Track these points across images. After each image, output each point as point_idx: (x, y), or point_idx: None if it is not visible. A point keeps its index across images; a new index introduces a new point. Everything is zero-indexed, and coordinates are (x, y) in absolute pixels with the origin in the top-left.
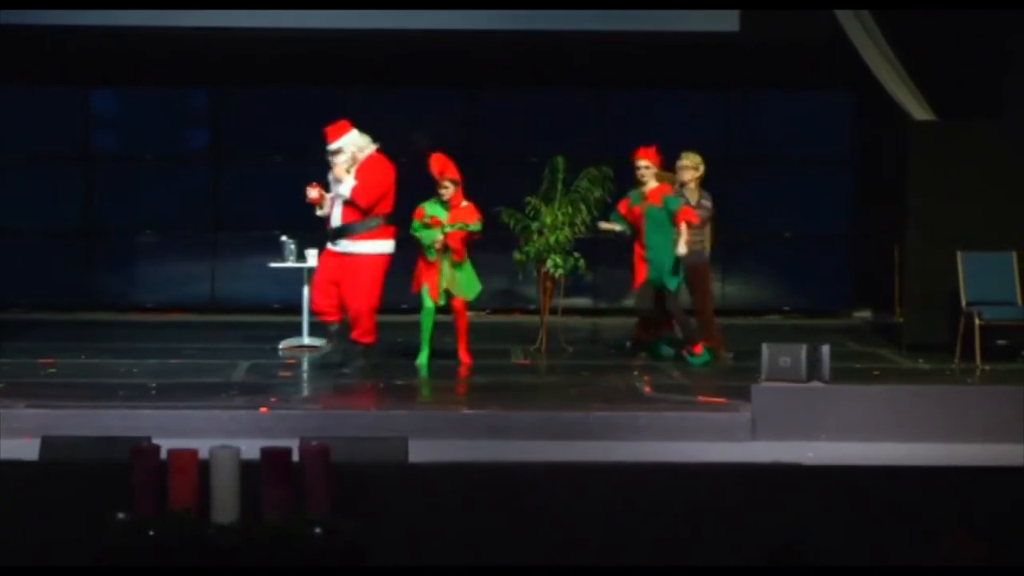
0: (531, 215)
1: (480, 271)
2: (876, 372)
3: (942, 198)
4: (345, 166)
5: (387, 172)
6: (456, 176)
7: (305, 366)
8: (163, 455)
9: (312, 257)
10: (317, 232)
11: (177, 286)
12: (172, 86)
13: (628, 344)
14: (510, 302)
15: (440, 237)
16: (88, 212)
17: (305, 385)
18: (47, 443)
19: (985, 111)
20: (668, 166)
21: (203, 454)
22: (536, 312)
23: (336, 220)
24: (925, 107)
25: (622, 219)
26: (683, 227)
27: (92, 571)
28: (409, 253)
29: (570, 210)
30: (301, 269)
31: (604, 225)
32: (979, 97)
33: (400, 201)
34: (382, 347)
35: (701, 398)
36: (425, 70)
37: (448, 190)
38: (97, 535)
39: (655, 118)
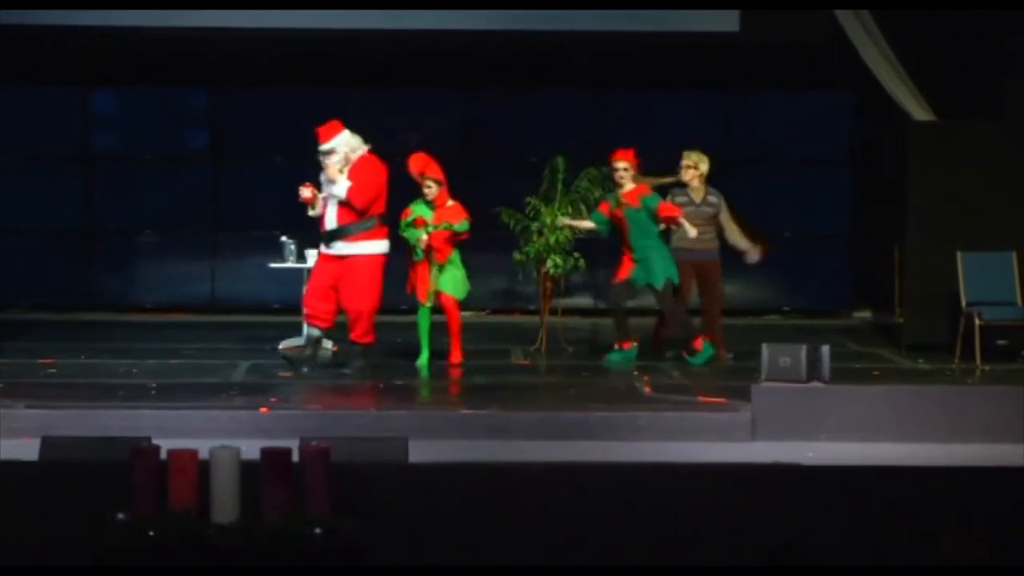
0: (531, 215)
1: (480, 271)
2: (876, 372)
3: (942, 198)
4: (338, 167)
5: (380, 172)
6: (439, 175)
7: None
8: (163, 455)
9: (312, 257)
10: (316, 232)
11: (177, 286)
12: (172, 86)
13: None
14: (510, 302)
15: (424, 237)
16: (88, 212)
17: (305, 385)
18: (47, 443)
19: (985, 111)
20: (670, 166)
21: (203, 454)
22: (536, 312)
23: (331, 222)
24: (925, 107)
25: (605, 220)
26: (679, 220)
27: (92, 571)
28: (405, 254)
29: (570, 210)
30: (301, 269)
31: (568, 221)
32: (979, 97)
33: (399, 201)
34: (382, 347)
35: (701, 398)
36: (425, 70)
37: (431, 190)
38: (97, 535)
39: (655, 118)
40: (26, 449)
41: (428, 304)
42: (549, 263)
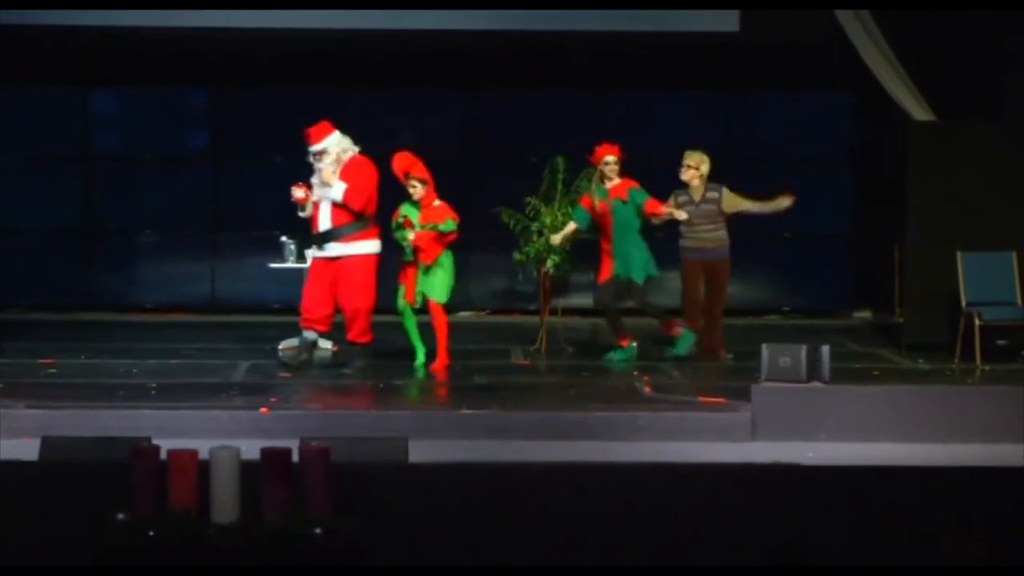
0: (531, 215)
1: (480, 271)
2: (876, 372)
3: (942, 198)
4: (331, 168)
5: (373, 173)
6: (424, 175)
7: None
8: (163, 455)
9: (312, 257)
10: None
11: (177, 286)
12: (172, 86)
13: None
14: (510, 302)
15: (410, 237)
16: (88, 212)
17: (305, 385)
18: (47, 443)
19: (985, 111)
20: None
21: (203, 454)
22: (536, 312)
23: (325, 223)
24: (925, 107)
25: (587, 217)
26: (665, 212)
27: (92, 571)
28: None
29: (570, 210)
30: (301, 269)
31: (557, 238)
32: (979, 97)
33: (393, 202)
34: (381, 348)
35: (701, 398)
36: (425, 70)
37: (417, 190)
38: (97, 535)
39: (655, 118)
40: (26, 449)
41: (416, 304)
42: (549, 263)
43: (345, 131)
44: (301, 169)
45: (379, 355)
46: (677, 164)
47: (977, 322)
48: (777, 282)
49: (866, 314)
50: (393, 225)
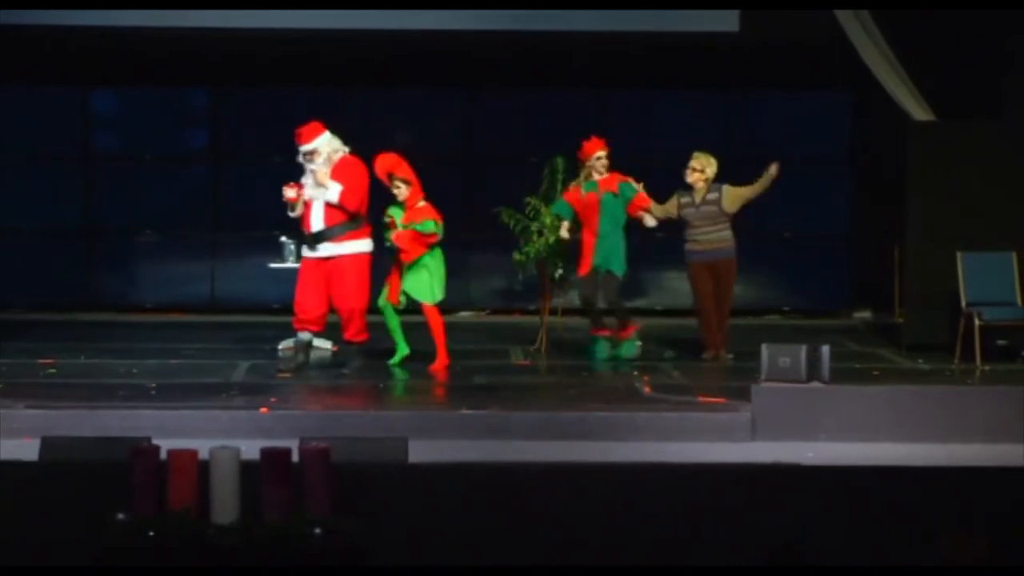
0: (531, 215)
1: (480, 271)
2: (876, 372)
3: (942, 198)
4: (323, 169)
5: (365, 173)
6: (408, 175)
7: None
8: (163, 455)
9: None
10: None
11: (177, 286)
12: (172, 86)
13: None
14: (510, 302)
15: (390, 237)
16: (88, 212)
17: (305, 385)
18: (47, 443)
19: (985, 111)
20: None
21: (203, 454)
22: (536, 312)
23: (318, 224)
24: (925, 107)
25: (570, 210)
26: (646, 214)
27: (92, 571)
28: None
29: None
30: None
31: (564, 233)
32: (979, 97)
33: (386, 202)
34: (380, 348)
35: (701, 398)
36: (425, 70)
37: (400, 190)
38: (97, 535)
39: (655, 118)
40: (26, 449)
41: (400, 304)
42: (551, 269)
43: (342, 131)
44: (301, 169)
45: (378, 355)
46: (677, 164)
47: (977, 322)
48: (777, 282)
49: (866, 314)
50: (384, 225)
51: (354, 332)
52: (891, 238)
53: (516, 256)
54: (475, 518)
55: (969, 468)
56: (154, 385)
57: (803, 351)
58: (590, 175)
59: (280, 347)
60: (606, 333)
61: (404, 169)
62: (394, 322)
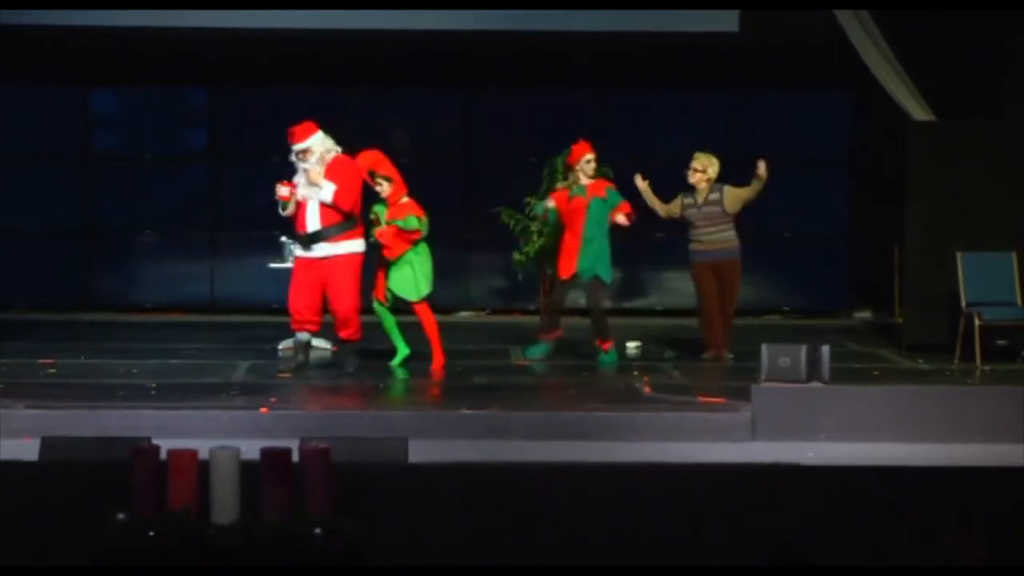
0: (531, 215)
1: (480, 271)
2: (876, 372)
3: (942, 198)
4: (316, 168)
5: (359, 172)
6: (390, 172)
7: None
8: (163, 455)
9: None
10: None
11: (177, 286)
12: (172, 86)
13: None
14: (510, 302)
15: (375, 234)
16: (88, 212)
17: (305, 385)
18: (47, 443)
19: (985, 111)
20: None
21: (203, 454)
22: (536, 312)
23: (314, 224)
24: (925, 107)
25: (554, 210)
26: (629, 222)
27: (92, 571)
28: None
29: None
30: None
31: (551, 203)
32: (979, 97)
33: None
34: (379, 348)
35: (701, 398)
36: (425, 70)
37: (383, 187)
38: (97, 535)
39: (655, 118)
40: (26, 449)
41: (388, 303)
42: (549, 265)
43: (342, 131)
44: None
45: (378, 355)
46: (677, 164)
47: (977, 322)
48: (777, 282)
49: (866, 314)
50: (369, 222)
51: (352, 332)
52: (891, 238)
53: (516, 256)
54: (475, 518)
55: (969, 468)
56: (154, 385)
57: (803, 351)
58: (579, 179)
59: (280, 347)
60: (553, 337)
61: (386, 166)
62: (390, 322)
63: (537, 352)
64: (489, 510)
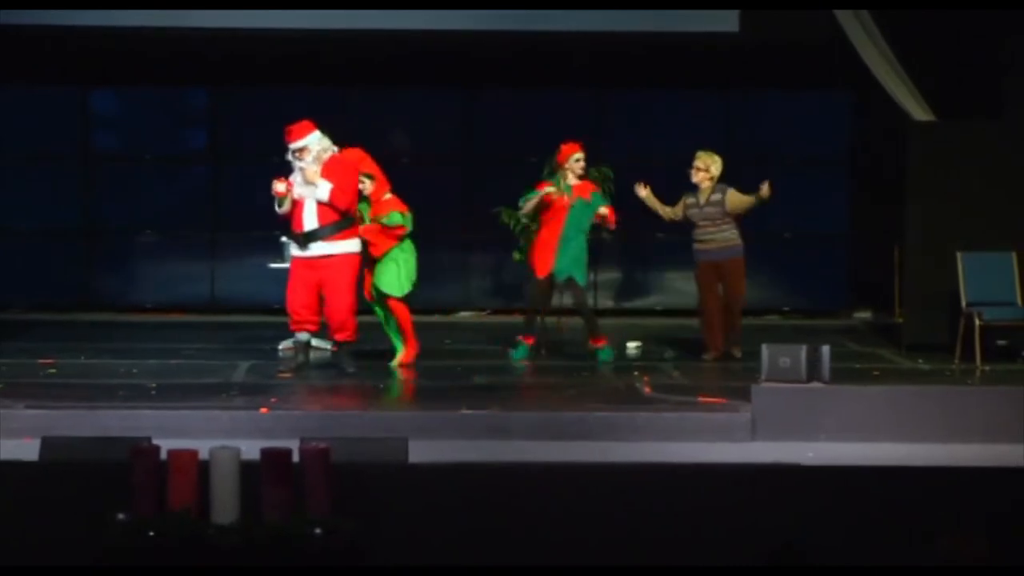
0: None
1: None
2: (876, 372)
3: (942, 198)
4: (313, 167)
5: (355, 171)
6: (372, 170)
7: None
8: (163, 455)
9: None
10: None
11: (177, 286)
12: (172, 86)
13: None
14: (510, 302)
15: (360, 231)
16: (88, 212)
17: (305, 385)
18: (47, 443)
19: (985, 111)
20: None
21: (203, 454)
22: (536, 314)
23: (311, 223)
24: (925, 107)
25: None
26: (609, 225)
27: (92, 571)
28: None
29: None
30: None
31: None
32: (979, 97)
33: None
34: (378, 348)
35: (701, 398)
36: (425, 70)
37: (365, 185)
38: (97, 535)
39: (655, 118)
40: (26, 449)
41: (374, 300)
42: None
43: (342, 131)
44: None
45: (377, 355)
46: (677, 164)
47: (977, 322)
48: (777, 282)
49: (866, 314)
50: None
51: (347, 335)
52: (891, 238)
53: (516, 256)
54: (475, 518)
55: (969, 468)
56: (154, 385)
57: (803, 351)
58: (567, 177)
59: (280, 347)
60: (530, 341)
61: (368, 164)
62: (382, 319)
63: (519, 354)
64: (489, 510)
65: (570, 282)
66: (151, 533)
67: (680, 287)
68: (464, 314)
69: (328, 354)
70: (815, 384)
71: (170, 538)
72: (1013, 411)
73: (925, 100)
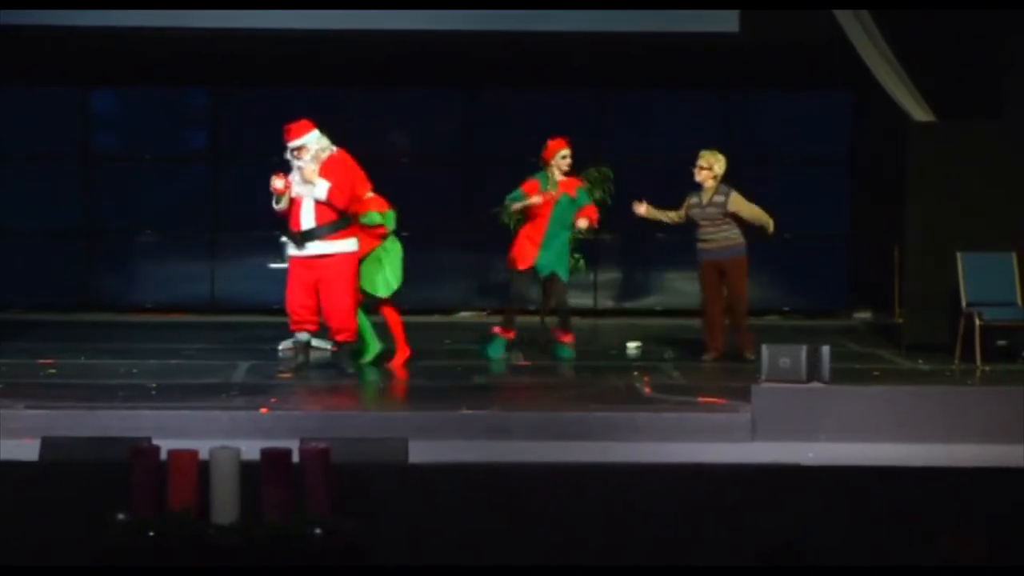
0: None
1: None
2: (876, 373)
3: (942, 198)
4: (311, 166)
5: (353, 171)
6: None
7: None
8: (163, 455)
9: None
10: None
11: (177, 286)
12: (172, 86)
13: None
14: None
15: None
16: (88, 212)
17: (305, 385)
18: (47, 443)
19: (985, 111)
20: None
21: (203, 454)
22: (536, 312)
23: (308, 221)
24: (925, 107)
25: (524, 199)
26: (592, 224)
27: (92, 571)
28: None
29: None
30: None
31: (537, 199)
32: (979, 97)
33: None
34: (381, 348)
35: (701, 399)
36: (425, 70)
37: None
38: (97, 535)
39: (655, 118)
40: (26, 449)
41: (361, 300)
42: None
43: (342, 131)
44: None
45: (375, 356)
46: (677, 164)
47: (977, 322)
48: (777, 282)
49: (866, 314)
50: None
51: (346, 336)
52: (891, 238)
53: None
54: (475, 518)
55: (969, 468)
56: (154, 385)
57: (803, 351)
58: (554, 174)
59: (280, 347)
60: (510, 336)
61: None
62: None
63: (495, 350)
64: (489, 510)
65: (553, 277)
66: (151, 533)
67: (680, 287)
68: (464, 314)
69: (328, 354)
70: (815, 384)
71: (170, 538)
72: (1013, 411)
73: (925, 100)
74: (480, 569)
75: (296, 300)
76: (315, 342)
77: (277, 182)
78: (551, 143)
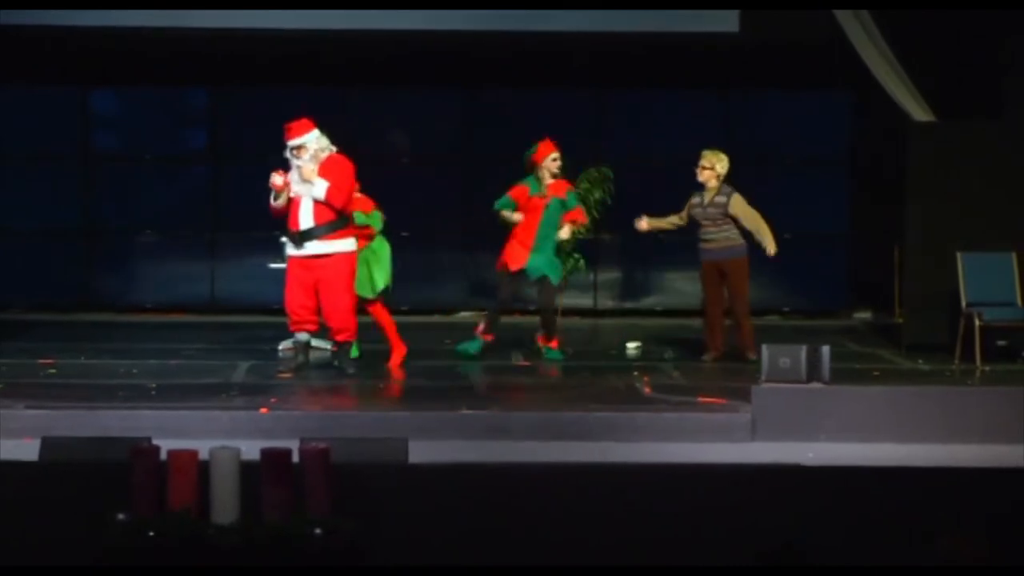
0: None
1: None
2: (876, 373)
3: (942, 198)
4: (310, 165)
5: (352, 171)
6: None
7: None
8: (163, 455)
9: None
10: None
11: (177, 286)
12: (172, 86)
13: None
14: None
15: None
16: (88, 212)
17: (305, 385)
18: (47, 443)
19: (985, 111)
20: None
21: (203, 454)
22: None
23: (307, 221)
24: (925, 107)
25: (514, 206)
26: (578, 226)
27: (92, 571)
28: None
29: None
30: None
31: (517, 217)
32: (979, 97)
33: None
34: (376, 349)
35: (701, 399)
36: (425, 70)
37: None
38: (97, 535)
39: (655, 118)
40: (26, 449)
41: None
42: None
43: (342, 131)
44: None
45: (376, 355)
46: (677, 164)
47: (977, 322)
48: (777, 282)
49: (866, 314)
50: None
51: (346, 336)
52: (891, 238)
53: None
54: (475, 518)
55: (969, 468)
56: (154, 385)
57: (803, 351)
58: (544, 177)
59: (280, 348)
60: (489, 339)
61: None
62: None
63: (472, 348)
64: (489, 510)
65: (543, 280)
66: (151, 533)
67: (680, 287)
68: (464, 314)
69: (328, 354)
70: (815, 384)
71: (170, 538)
72: (1013, 411)
73: (925, 100)
74: (480, 569)
75: (295, 300)
76: (315, 342)
77: (276, 178)
78: (541, 146)
